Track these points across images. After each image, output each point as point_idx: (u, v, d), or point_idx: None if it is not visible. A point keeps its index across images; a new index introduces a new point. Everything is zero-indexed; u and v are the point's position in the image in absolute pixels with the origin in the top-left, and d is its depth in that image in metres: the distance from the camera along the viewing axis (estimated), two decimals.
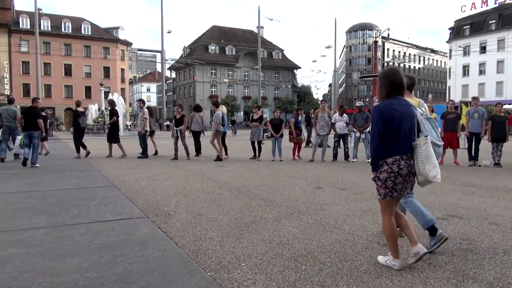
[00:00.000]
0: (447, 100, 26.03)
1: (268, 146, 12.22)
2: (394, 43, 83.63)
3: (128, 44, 60.35)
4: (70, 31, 53.98)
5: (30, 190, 6.35)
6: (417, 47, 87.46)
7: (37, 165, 9.44)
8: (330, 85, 78.11)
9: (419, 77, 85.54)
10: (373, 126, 3.01)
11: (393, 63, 66.89)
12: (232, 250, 3.42)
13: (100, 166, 9.52)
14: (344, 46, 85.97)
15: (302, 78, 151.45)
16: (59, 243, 3.60)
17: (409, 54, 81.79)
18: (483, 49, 54.14)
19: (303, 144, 13.22)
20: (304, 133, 13.93)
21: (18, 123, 10.45)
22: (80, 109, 12.08)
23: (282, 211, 4.91)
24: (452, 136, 10.12)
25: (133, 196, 5.84)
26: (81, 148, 11.86)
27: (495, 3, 52.51)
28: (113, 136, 12.07)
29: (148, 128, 12.10)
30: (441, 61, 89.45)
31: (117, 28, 60.92)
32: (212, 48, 66.25)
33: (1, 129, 10.64)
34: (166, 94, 54.20)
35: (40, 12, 47.14)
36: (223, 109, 12.00)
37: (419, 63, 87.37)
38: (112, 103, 12.65)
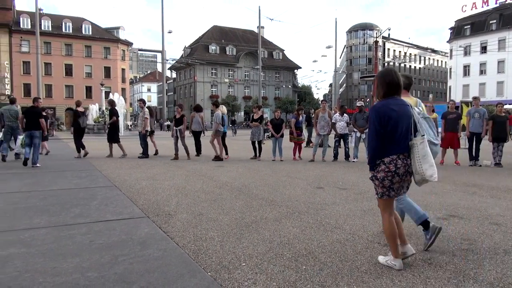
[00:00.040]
0: (447, 100, 26.01)
1: (269, 146, 12.23)
2: (395, 43, 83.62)
3: (128, 44, 60.44)
4: (71, 31, 54.05)
5: (31, 190, 6.35)
6: (418, 47, 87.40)
7: (37, 165, 9.44)
8: (330, 85, 78.20)
9: (419, 77, 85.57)
10: (370, 126, 3.04)
11: (394, 63, 66.89)
12: (233, 250, 3.43)
13: (101, 166, 9.52)
14: (345, 46, 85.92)
15: (303, 78, 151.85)
16: (60, 243, 3.61)
17: (410, 54, 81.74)
18: (483, 49, 54.12)
19: (304, 144, 13.22)
20: (305, 133, 13.93)
21: (19, 123, 10.47)
22: (80, 109, 12.09)
23: (282, 211, 4.92)
24: (452, 136, 10.12)
25: (133, 196, 5.84)
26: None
27: (496, 3, 52.52)
28: (113, 136, 12.07)
29: (148, 128, 12.12)
30: (441, 61, 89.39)
31: (117, 28, 61.00)
32: (213, 48, 66.22)
33: (3, 129, 10.66)
34: (166, 94, 54.14)
35: (41, 12, 47.23)
36: (223, 109, 12.01)
37: (420, 63, 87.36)
38: (112, 103, 12.66)
